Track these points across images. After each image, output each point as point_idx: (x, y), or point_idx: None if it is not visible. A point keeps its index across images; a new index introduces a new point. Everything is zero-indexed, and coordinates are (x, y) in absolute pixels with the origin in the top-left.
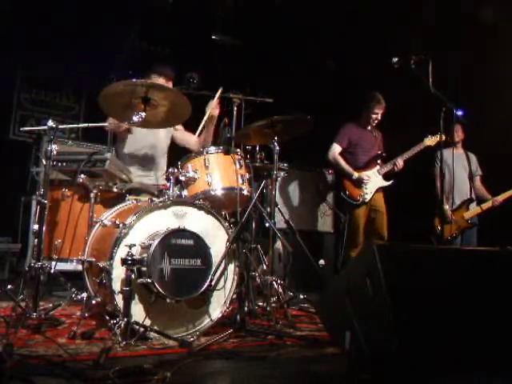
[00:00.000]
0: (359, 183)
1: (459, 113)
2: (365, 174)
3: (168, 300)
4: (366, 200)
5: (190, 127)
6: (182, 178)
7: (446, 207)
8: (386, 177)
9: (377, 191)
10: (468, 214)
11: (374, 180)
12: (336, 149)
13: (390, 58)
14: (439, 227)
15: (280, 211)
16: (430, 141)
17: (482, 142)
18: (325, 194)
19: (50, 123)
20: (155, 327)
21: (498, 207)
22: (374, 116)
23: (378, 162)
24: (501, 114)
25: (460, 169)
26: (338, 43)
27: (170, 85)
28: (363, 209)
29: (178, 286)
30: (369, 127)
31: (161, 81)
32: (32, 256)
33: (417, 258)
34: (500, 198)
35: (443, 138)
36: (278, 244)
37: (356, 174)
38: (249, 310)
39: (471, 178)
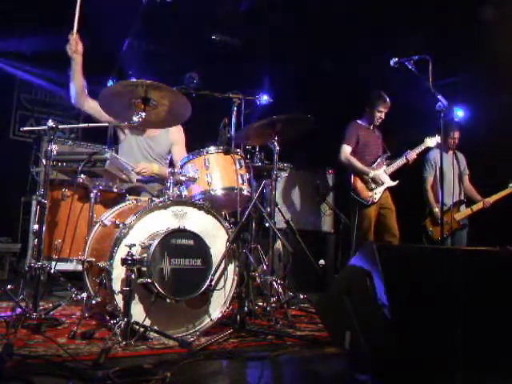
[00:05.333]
0: (375, 181)
1: (459, 113)
2: (378, 173)
3: (168, 300)
4: (376, 200)
5: (191, 128)
6: (182, 178)
7: (436, 210)
8: (391, 177)
9: (384, 190)
10: (459, 215)
11: (383, 179)
12: (347, 149)
13: (389, 58)
14: (431, 228)
15: (280, 211)
16: (431, 141)
17: (475, 143)
18: (325, 194)
19: (50, 123)
20: (155, 327)
21: (488, 208)
22: (378, 114)
23: (384, 161)
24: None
25: (450, 170)
26: (337, 43)
27: None
28: (373, 208)
29: (177, 285)
30: (371, 126)
31: None
32: (32, 256)
33: (417, 258)
34: (490, 199)
35: (442, 139)
36: (278, 244)
37: (372, 172)
38: (249, 310)
39: (461, 178)
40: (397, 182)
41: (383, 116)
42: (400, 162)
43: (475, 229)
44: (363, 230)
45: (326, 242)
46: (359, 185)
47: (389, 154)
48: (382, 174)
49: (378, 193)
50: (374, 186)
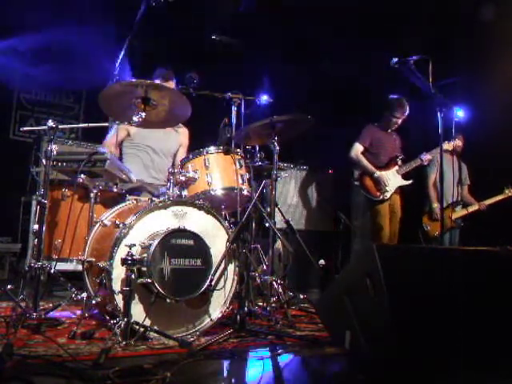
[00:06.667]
0: (379, 181)
1: (459, 114)
2: (385, 174)
3: (168, 300)
4: (386, 197)
5: (191, 128)
6: (182, 178)
7: (435, 205)
8: (404, 176)
9: (395, 191)
10: (455, 214)
11: (393, 179)
12: (358, 148)
13: (389, 59)
14: (427, 224)
15: (280, 211)
16: (448, 145)
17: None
18: (325, 194)
19: (50, 123)
20: (155, 327)
21: (483, 211)
22: (394, 120)
23: (398, 162)
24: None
25: (451, 173)
26: (337, 43)
27: (169, 85)
28: (386, 206)
29: (177, 285)
30: (389, 130)
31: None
32: (32, 256)
33: (417, 258)
34: (486, 202)
35: (459, 143)
36: (278, 244)
37: (377, 172)
38: (249, 310)
39: (460, 184)
40: (410, 181)
41: (399, 122)
42: (414, 163)
43: (473, 229)
44: (377, 228)
45: (326, 242)
46: (368, 182)
47: (402, 156)
48: (390, 174)
49: (389, 190)
50: (382, 183)
